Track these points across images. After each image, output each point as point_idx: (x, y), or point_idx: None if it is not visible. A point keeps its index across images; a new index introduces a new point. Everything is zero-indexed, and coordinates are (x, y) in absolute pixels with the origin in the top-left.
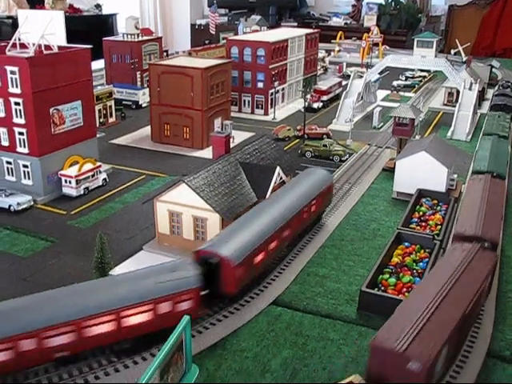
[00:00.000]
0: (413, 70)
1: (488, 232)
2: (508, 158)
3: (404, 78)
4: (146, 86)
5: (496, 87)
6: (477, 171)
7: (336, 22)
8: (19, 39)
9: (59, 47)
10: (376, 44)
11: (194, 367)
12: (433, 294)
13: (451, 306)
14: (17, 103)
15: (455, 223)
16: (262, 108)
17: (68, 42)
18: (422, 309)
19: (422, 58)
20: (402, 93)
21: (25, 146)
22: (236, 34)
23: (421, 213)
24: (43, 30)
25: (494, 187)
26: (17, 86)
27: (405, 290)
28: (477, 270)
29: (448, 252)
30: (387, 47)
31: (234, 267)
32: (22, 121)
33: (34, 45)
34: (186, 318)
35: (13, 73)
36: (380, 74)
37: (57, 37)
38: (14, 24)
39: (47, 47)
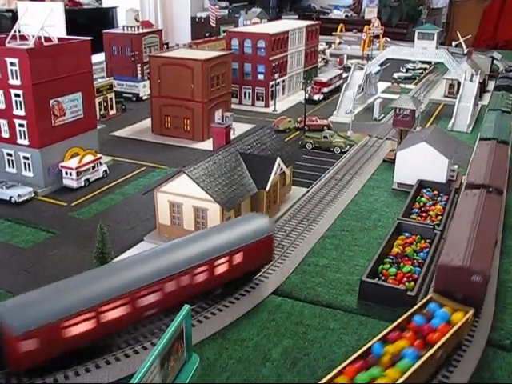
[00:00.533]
0: (414, 62)
1: (495, 180)
2: (510, 129)
3: (405, 70)
4: (146, 78)
5: (502, 71)
6: (483, 138)
7: (337, 14)
8: (19, 31)
9: (59, 39)
10: (377, 36)
11: (195, 356)
12: (469, 224)
13: (485, 231)
14: (17, 95)
15: (466, 175)
16: (262, 100)
17: (68, 35)
18: (467, 236)
19: (422, 49)
20: (402, 85)
21: (25, 138)
22: (236, 26)
23: (421, 203)
24: (43, 21)
25: (499, 150)
26: (17, 78)
27: (405, 279)
28: (491, 207)
29: (463, 196)
30: (388, 39)
31: (17, 337)
32: (22, 112)
33: (33, 36)
34: (186, 307)
35: (13, 64)
36: (381, 66)
37: (56, 28)
38: (14, 17)
39: (47, 39)
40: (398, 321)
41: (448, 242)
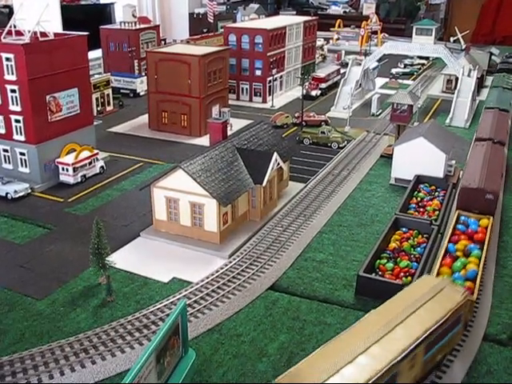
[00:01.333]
0: (412, 57)
1: (498, 135)
2: (510, 101)
3: (403, 66)
4: (143, 74)
5: (502, 57)
6: (488, 107)
7: (335, 10)
8: (15, 26)
9: (55, 34)
10: (375, 32)
11: (191, 351)
12: (480, 161)
13: (493, 166)
14: (13, 90)
15: (475, 133)
16: (260, 96)
17: (66, 30)
18: (480, 168)
19: (420, 45)
20: (400, 80)
21: (21, 134)
22: (234, 22)
23: (419, 198)
24: (39, 16)
25: (501, 115)
26: (12, 73)
27: (402, 274)
28: (496, 152)
29: (474, 146)
30: (386, 35)
31: None
32: (18, 108)
33: (29, 32)
34: (182, 302)
35: (8, 60)
36: (379, 61)
37: (53, 24)
38: (11, 13)
39: (43, 34)
40: (450, 231)
41: (466, 173)
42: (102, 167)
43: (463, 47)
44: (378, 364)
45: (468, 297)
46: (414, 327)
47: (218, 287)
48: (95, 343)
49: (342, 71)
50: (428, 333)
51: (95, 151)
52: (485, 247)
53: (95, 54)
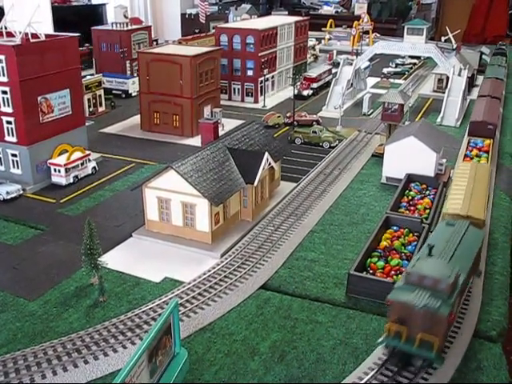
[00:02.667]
0: (403, 57)
1: (494, 93)
2: (505, 72)
3: (394, 65)
4: (135, 75)
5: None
6: (488, 77)
7: (327, 10)
8: (5, 27)
9: (46, 35)
10: (366, 32)
11: (183, 351)
12: (482, 108)
13: (491, 110)
14: (4, 92)
15: (478, 93)
16: (251, 96)
17: (57, 31)
18: (482, 111)
19: (412, 44)
20: (392, 80)
21: (13, 135)
22: (226, 23)
23: (410, 197)
24: (30, 18)
25: (497, 82)
26: (4, 75)
27: (393, 272)
28: (493, 103)
29: (476, 100)
30: (378, 35)
31: None
32: (9, 109)
33: (20, 33)
34: (174, 301)
35: None
36: (370, 61)
37: (44, 25)
38: (1, 14)
39: (34, 35)
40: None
41: (474, 113)
42: (94, 168)
43: (454, 47)
44: None
45: None
46: None
47: (210, 286)
48: (88, 343)
49: (333, 71)
50: None
51: (87, 152)
52: (489, 154)
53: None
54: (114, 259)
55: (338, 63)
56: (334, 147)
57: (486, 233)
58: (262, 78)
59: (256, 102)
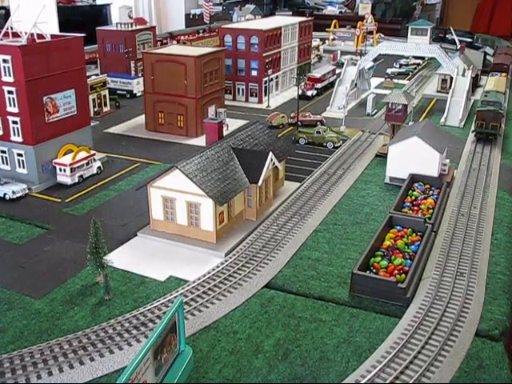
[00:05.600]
0: (407, 57)
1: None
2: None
3: (398, 66)
4: (140, 75)
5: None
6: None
7: (330, 10)
8: (11, 28)
9: (52, 36)
10: (370, 32)
11: (188, 348)
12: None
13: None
14: (10, 92)
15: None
16: (256, 96)
17: (62, 32)
18: (501, 58)
19: (416, 45)
20: (396, 80)
21: (19, 135)
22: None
23: (413, 197)
24: (35, 18)
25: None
26: (10, 75)
27: (396, 272)
28: (506, 57)
29: (495, 57)
30: (382, 35)
31: None
32: (15, 109)
33: (26, 33)
34: (179, 300)
35: (5, 61)
36: (374, 61)
37: (49, 25)
38: (7, 14)
39: (40, 36)
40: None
41: (494, 60)
42: (99, 168)
43: (458, 47)
44: None
45: None
46: None
47: (215, 285)
48: (93, 341)
49: (337, 71)
50: None
51: (92, 152)
52: (506, 76)
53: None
54: (120, 258)
55: (342, 63)
56: (337, 147)
57: (489, 232)
58: (267, 79)
59: (260, 102)
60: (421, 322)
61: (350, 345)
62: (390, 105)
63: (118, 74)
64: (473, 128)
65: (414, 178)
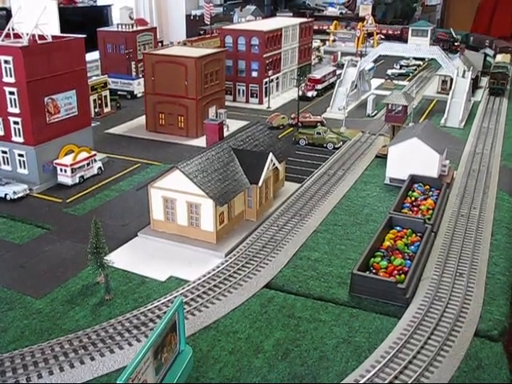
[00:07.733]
0: (407, 58)
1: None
2: None
3: (398, 67)
4: (140, 76)
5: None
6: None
7: (331, 11)
8: (13, 29)
9: (53, 37)
10: (371, 33)
11: (188, 348)
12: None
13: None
14: (11, 92)
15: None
16: (256, 97)
17: (63, 33)
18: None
19: (416, 46)
20: (396, 81)
21: (20, 136)
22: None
23: (413, 198)
24: (37, 19)
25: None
26: (11, 76)
27: (396, 272)
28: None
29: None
30: (382, 36)
31: None
32: (16, 110)
33: (27, 34)
34: (179, 299)
35: (7, 62)
36: (375, 62)
37: (50, 26)
38: (8, 15)
39: (41, 37)
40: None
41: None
42: (99, 168)
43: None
44: None
45: None
46: None
47: (215, 285)
48: (94, 340)
49: (338, 72)
50: None
51: (93, 152)
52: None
53: (92, 56)
54: (120, 258)
55: (343, 65)
56: (337, 148)
57: (489, 232)
58: (267, 80)
59: (260, 103)
60: (420, 323)
61: (349, 345)
62: (390, 106)
63: (119, 74)
64: (487, 86)
65: (414, 179)
